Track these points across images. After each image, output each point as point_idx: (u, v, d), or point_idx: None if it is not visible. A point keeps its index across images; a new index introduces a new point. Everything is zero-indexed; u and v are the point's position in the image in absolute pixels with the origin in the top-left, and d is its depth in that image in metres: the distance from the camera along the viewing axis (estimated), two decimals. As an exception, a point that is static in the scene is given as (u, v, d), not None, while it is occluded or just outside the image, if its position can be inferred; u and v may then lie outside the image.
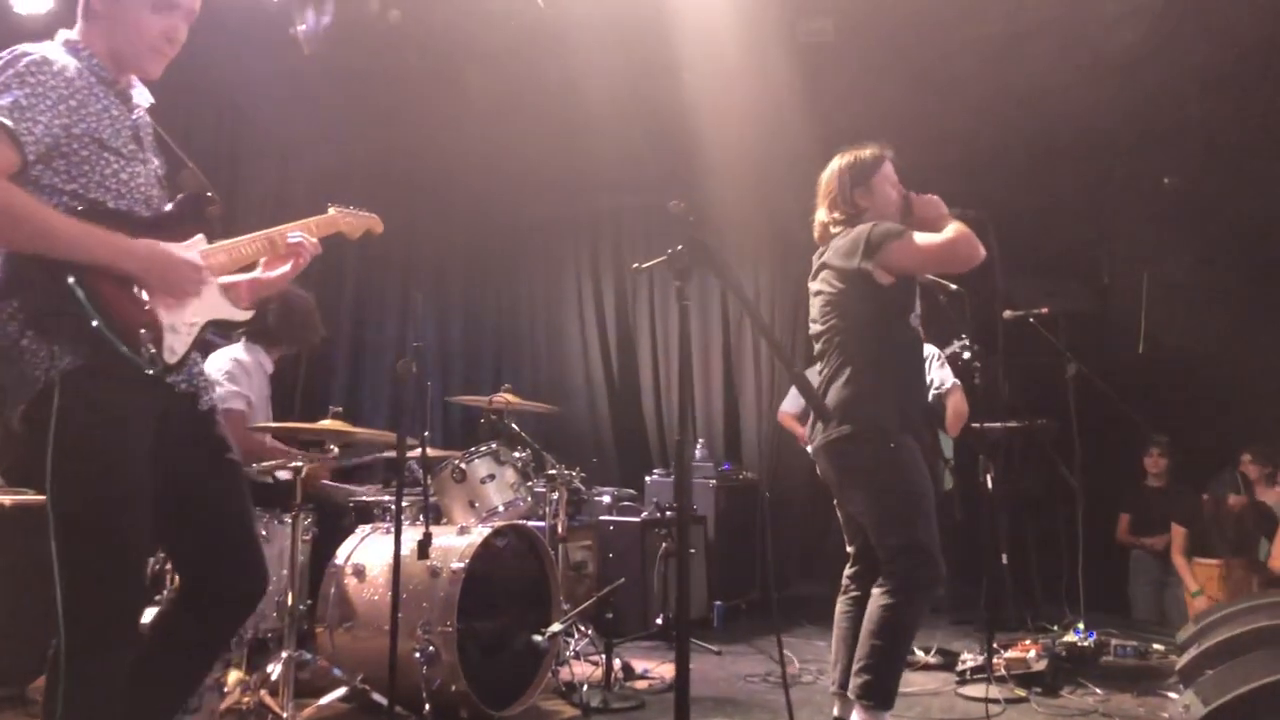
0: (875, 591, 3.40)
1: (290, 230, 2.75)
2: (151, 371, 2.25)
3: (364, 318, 6.97)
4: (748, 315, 1.98)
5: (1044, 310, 5.44)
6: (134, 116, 2.46)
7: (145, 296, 2.28)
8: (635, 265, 2.20)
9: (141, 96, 2.51)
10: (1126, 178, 7.38)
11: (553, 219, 8.19)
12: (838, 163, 3.69)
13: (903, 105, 6.58)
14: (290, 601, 3.77)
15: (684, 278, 2.05)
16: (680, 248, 2.04)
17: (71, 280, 2.15)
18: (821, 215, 3.70)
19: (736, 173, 6.78)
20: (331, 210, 3.05)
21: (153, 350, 2.25)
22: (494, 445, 4.60)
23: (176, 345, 2.32)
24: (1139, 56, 6.05)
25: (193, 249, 2.43)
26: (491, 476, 4.51)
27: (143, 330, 2.24)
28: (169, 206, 2.47)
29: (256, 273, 2.72)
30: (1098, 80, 6.37)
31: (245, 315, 2.60)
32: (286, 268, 2.73)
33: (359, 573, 4.04)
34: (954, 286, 4.55)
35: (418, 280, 4.22)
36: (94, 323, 2.15)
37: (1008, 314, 5.46)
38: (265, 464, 4.19)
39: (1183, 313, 7.11)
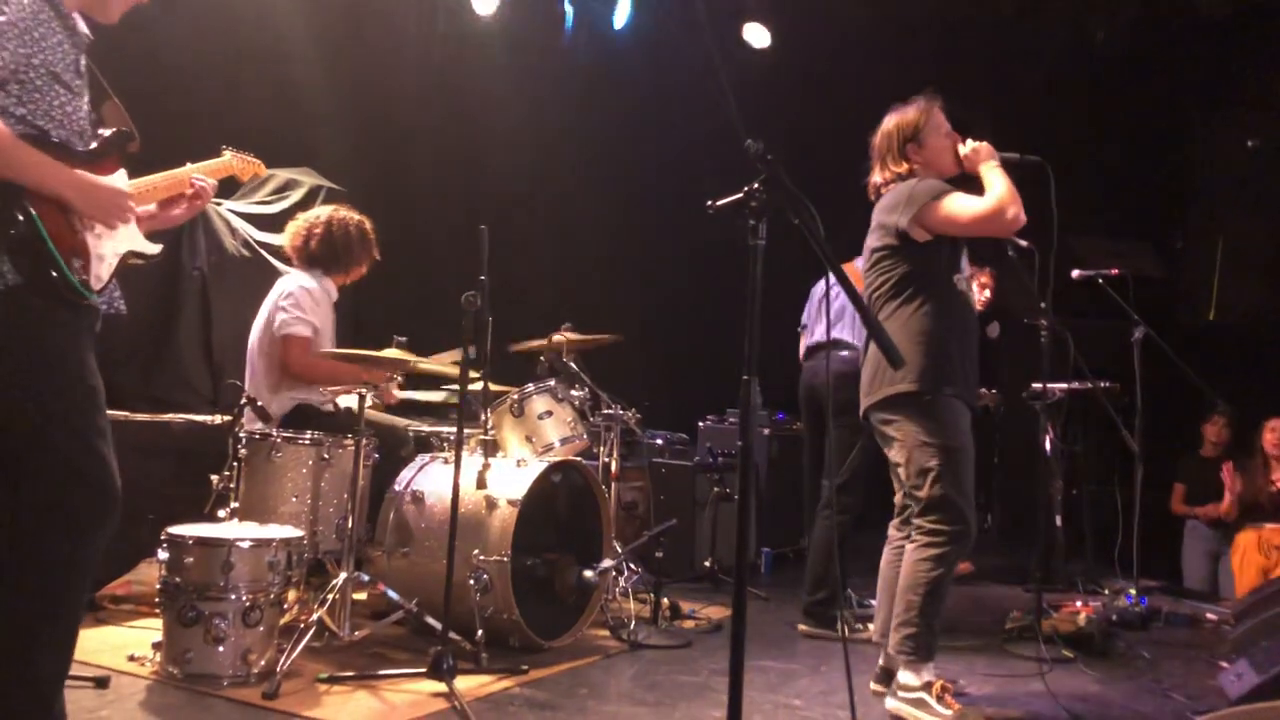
0: (908, 546, 3.45)
1: (194, 172, 2.95)
2: (84, 295, 2.41)
3: (428, 249, 7.02)
4: (824, 260, 1.93)
5: (1113, 271, 5.34)
6: (79, 50, 2.52)
7: (77, 226, 2.42)
8: (709, 203, 2.17)
9: (83, 32, 2.57)
10: (1207, 138, 7.18)
11: (618, 154, 8.15)
12: (887, 122, 3.70)
13: (980, 64, 6.45)
14: (350, 525, 3.85)
15: (759, 218, 2.03)
16: (757, 186, 2.02)
17: (28, 203, 2.29)
18: (875, 176, 3.71)
19: (816, 111, 6.66)
20: (226, 153, 3.30)
21: (83, 276, 2.41)
22: (552, 382, 4.63)
23: (102, 272, 2.50)
24: (1229, 13, 5.86)
25: (116, 183, 2.56)
26: (549, 413, 4.54)
27: (75, 257, 2.40)
28: (96, 141, 2.55)
29: (152, 208, 2.86)
30: (1180, 37, 6.18)
31: (156, 248, 2.73)
32: (183, 208, 2.92)
33: (417, 500, 4.11)
34: (1024, 243, 4.47)
35: (482, 214, 4.24)
36: (50, 246, 2.31)
37: (1076, 274, 5.37)
38: (333, 388, 4.27)
39: (1258, 280, 6.93)
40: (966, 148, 3.59)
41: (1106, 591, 5.45)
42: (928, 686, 3.32)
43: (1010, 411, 6.64)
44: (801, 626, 4.60)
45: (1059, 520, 5.72)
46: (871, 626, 4.16)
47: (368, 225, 4.62)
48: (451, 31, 6.79)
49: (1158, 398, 5.56)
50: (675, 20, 6.58)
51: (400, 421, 4.74)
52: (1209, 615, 5.27)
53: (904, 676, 3.38)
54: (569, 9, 7.33)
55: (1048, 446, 5.32)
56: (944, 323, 3.49)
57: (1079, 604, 4.80)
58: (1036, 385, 5.22)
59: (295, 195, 5.87)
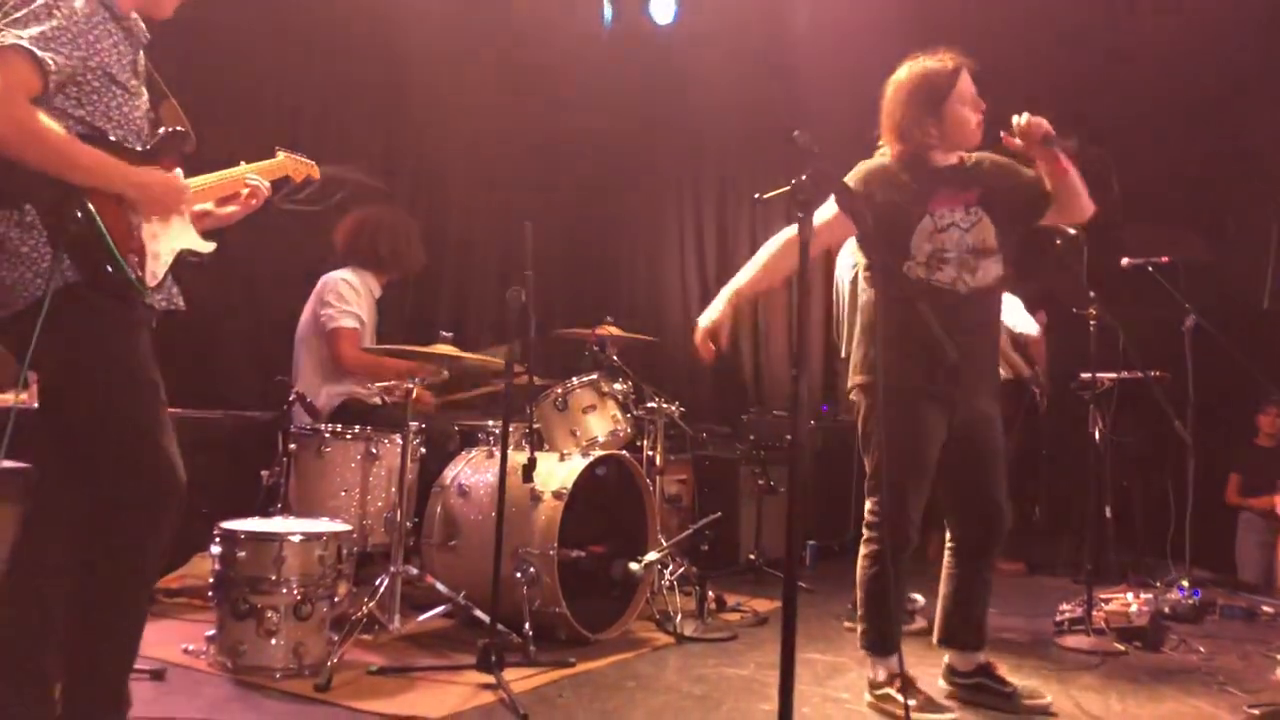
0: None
1: (248, 172, 2.98)
2: (140, 292, 2.44)
3: (471, 246, 7.06)
4: (873, 254, 1.89)
5: (1164, 259, 5.24)
6: (136, 52, 2.56)
7: (134, 224, 2.45)
8: (757, 196, 2.15)
9: (140, 32, 2.60)
10: (1260, 117, 7.01)
11: (657, 148, 8.13)
12: (904, 77, 3.27)
13: (1023, 46, 6.34)
14: (398, 519, 3.89)
15: (807, 210, 2.01)
16: (805, 178, 2.00)
17: (86, 200, 2.32)
18: (885, 151, 3.35)
19: (849, 98, 6.58)
20: (280, 154, 3.32)
21: (139, 273, 2.44)
22: (595, 376, 4.64)
23: (158, 270, 2.53)
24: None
25: None
26: (593, 407, 4.55)
27: (132, 254, 2.43)
28: (153, 140, 2.58)
29: (209, 206, 2.89)
30: (1236, 19, 6.05)
31: (210, 246, 2.75)
32: (236, 208, 2.95)
33: (464, 493, 4.14)
34: (1072, 230, 4.39)
35: (525, 210, 4.27)
36: (108, 242, 2.34)
37: (1125, 262, 5.28)
38: (380, 384, 4.31)
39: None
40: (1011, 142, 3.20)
41: (1158, 584, 5.36)
42: (890, 680, 3.32)
43: (1058, 402, 6.56)
44: (848, 624, 4.55)
45: (1109, 512, 5.63)
46: (919, 620, 4.17)
47: (414, 228, 4.73)
48: (490, 25, 6.81)
49: (1210, 387, 5.46)
50: (720, 13, 6.53)
51: (446, 415, 4.78)
52: (1265, 608, 5.18)
53: (870, 673, 3.41)
54: (607, 2, 7.32)
55: (1097, 437, 5.23)
56: (895, 313, 3.24)
57: (1130, 596, 4.73)
58: (1085, 375, 5.15)
59: (338, 193, 5.92)
